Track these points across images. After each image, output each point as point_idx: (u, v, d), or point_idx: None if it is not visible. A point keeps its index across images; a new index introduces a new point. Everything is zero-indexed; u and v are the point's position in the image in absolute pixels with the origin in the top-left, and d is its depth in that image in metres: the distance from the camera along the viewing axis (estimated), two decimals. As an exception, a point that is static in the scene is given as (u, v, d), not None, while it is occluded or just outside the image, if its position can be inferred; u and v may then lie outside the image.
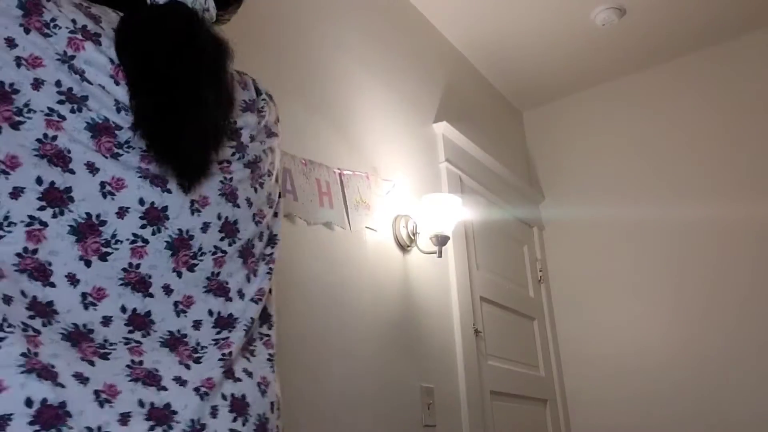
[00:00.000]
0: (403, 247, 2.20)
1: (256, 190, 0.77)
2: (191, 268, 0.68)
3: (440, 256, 2.24)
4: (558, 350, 3.12)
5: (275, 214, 0.84)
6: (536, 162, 3.49)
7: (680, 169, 3.03)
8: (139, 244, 0.65)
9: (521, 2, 2.76)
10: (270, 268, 0.77)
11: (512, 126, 3.47)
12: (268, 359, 0.73)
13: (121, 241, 0.64)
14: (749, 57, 3.00)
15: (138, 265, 0.64)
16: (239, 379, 0.67)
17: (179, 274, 0.67)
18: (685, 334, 2.84)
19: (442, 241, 2.22)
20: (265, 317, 0.77)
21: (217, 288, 0.70)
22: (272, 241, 0.81)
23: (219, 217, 0.70)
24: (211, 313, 0.69)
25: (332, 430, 1.69)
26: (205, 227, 0.70)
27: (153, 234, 0.66)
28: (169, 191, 0.67)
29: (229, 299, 0.71)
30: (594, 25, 2.91)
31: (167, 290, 0.66)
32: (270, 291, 0.79)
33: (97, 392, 0.56)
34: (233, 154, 0.76)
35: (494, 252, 2.85)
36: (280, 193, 0.87)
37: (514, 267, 3.01)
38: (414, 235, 2.22)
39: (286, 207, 1.69)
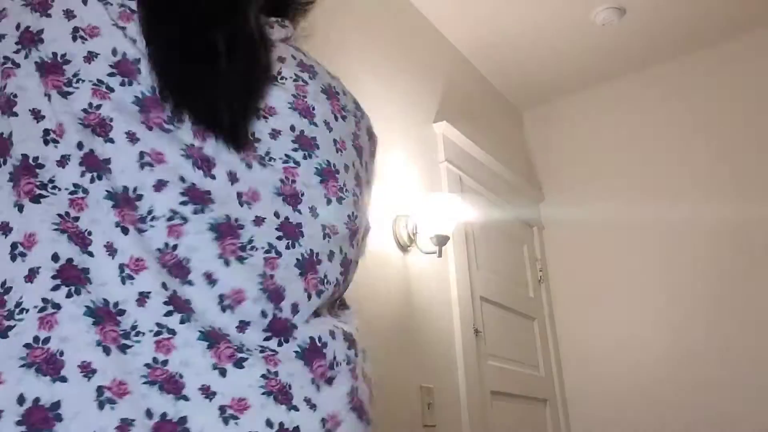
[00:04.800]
0: (403, 247, 2.20)
1: (329, 201, 0.66)
2: (139, 231, 0.57)
3: (440, 256, 2.24)
4: (558, 350, 3.12)
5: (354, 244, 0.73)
6: (536, 162, 3.49)
7: (680, 169, 3.03)
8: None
9: (521, 2, 2.76)
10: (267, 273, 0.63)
11: (512, 126, 3.47)
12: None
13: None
14: (749, 57, 3.00)
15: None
16: (297, 408, 0.56)
17: (125, 231, 0.57)
18: (685, 333, 2.84)
19: (442, 241, 2.22)
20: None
21: (174, 265, 0.57)
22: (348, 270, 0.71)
23: (183, 179, 0.59)
24: (165, 286, 0.57)
25: (332, 430, 1.69)
26: (158, 185, 0.59)
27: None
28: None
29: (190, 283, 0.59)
30: (594, 25, 2.91)
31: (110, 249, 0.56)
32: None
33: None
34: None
35: (494, 252, 2.85)
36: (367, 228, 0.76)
37: (514, 267, 3.01)
38: (414, 235, 2.22)
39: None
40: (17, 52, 0.60)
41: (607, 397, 2.95)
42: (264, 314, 0.57)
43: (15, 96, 0.59)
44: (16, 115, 0.58)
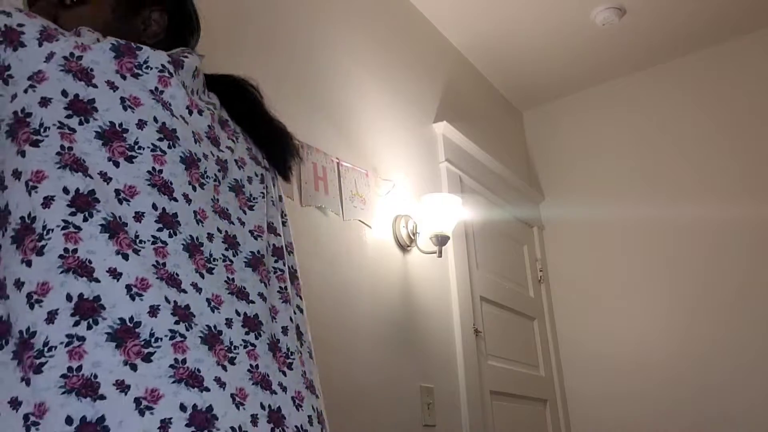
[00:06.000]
0: (403, 247, 2.20)
1: (245, 212, 0.83)
2: (210, 271, 0.72)
3: (440, 256, 2.24)
4: (558, 350, 3.12)
5: (277, 233, 0.92)
6: (536, 162, 3.49)
7: (680, 169, 3.03)
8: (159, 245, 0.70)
9: (521, 2, 2.76)
10: (282, 287, 0.82)
11: (512, 126, 3.47)
12: (303, 375, 0.77)
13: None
14: (750, 57, 3.00)
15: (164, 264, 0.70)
16: (275, 392, 0.70)
17: (201, 275, 0.72)
18: (685, 333, 2.84)
19: (442, 241, 2.22)
20: (298, 335, 0.82)
21: (238, 292, 0.74)
22: (279, 254, 0.86)
23: (219, 230, 0.76)
24: (238, 312, 0.72)
25: (332, 429, 1.69)
26: (209, 237, 0.75)
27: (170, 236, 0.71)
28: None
29: (252, 302, 0.75)
30: (594, 25, 2.91)
31: (196, 287, 0.70)
32: (301, 310, 0.86)
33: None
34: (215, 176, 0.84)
35: (494, 252, 2.85)
36: (284, 213, 0.95)
37: (514, 267, 3.01)
38: (414, 235, 2.22)
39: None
40: (69, 117, 0.68)
41: (607, 398, 2.95)
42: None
43: (84, 160, 0.68)
44: (91, 177, 0.67)
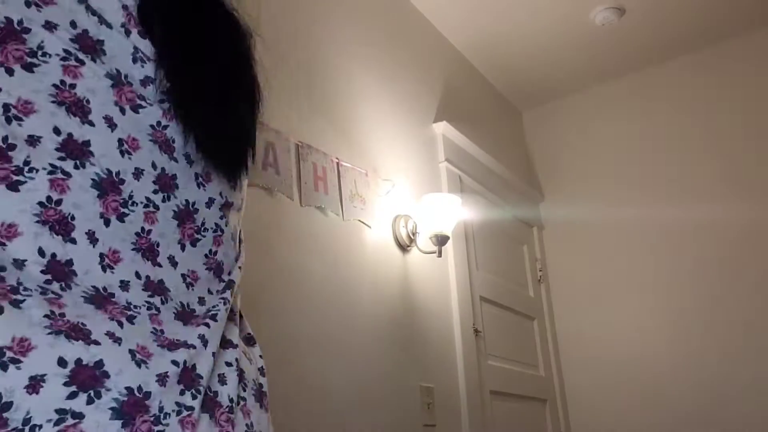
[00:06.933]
0: (403, 247, 2.20)
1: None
2: (121, 218, 0.58)
3: (440, 255, 2.24)
4: (558, 350, 3.12)
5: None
6: (536, 162, 3.50)
7: (680, 169, 3.03)
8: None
9: (521, 2, 2.76)
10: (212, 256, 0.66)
11: (512, 126, 3.47)
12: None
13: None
14: (750, 57, 3.00)
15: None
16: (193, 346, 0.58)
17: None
18: (685, 333, 2.84)
19: (441, 240, 2.22)
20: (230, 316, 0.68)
21: (147, 248, 0.59)
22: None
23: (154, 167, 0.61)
24: (138, 275, 0.58)
25: (332, 429, 1.69)
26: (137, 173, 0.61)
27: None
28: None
29: (158, 264, 0.60)
30: (594, 25, 2.91)
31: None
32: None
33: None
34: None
35: (494, 252, 2.85)
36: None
37: (514, 267, 3.01)
38: (414, 234, 2.23)
39: (266, 180, 1.68)
40: None
41: (607, 397, 2.95)
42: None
43: None
44: None
